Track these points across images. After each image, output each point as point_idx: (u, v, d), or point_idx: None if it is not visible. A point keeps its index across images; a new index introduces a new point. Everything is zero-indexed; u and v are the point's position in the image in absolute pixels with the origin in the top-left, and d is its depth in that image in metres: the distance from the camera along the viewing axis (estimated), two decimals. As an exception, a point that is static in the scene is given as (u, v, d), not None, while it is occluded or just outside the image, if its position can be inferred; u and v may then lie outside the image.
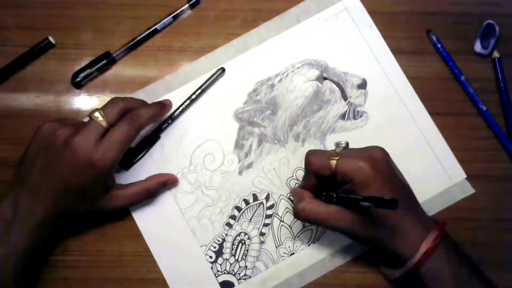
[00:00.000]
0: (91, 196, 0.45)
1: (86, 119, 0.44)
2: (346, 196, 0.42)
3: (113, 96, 0.47)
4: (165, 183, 0.49)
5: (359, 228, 0.43)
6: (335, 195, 0.43)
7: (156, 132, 0.50)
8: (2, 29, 0.52)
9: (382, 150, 0.44)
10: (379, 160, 0.43)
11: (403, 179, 0.45)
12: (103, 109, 0.44)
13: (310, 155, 0.45)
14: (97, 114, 0.43)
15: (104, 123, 0.43)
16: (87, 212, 0.46)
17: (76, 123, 0.46)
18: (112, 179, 0.47)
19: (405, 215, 0.42)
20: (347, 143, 0.46)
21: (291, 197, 0.50)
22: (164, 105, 0.48)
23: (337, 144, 0.47)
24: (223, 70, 0.51)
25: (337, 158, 0.43)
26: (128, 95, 0.51)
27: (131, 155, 0.49)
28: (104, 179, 0.44)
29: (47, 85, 0.51)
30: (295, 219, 0.50)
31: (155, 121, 0.49)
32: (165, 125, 0.50)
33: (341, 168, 0.42)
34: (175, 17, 0.52)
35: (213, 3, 0.53)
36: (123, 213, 0.49)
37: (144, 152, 0.50)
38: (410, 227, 0.42)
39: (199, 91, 0.51)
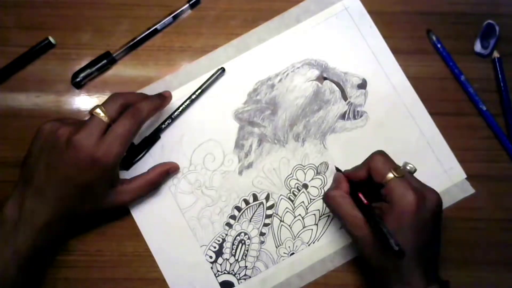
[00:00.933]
0: (98, 193, 0.45)
1: (88, 117, 0.44)
2: (373, 214, 0.41)
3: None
4: (168, 171, 0.49)
5: (371, 246, 0.42)
6: (366, 203, 0.42)
7: (156, 132, 0.50)
8: (2, 29, 0.52)
9: (437, 196, 0.42)
10: (428, 202, 0.42)
11: (437, 234, 0.43)
12: (103, 105, 0.44)
13: (378, 153, 0.44)
14: (98, 110, 0.43)
15: (105, 119, 0.43)
16: (94, 209, 0.46)
17: (77, 122, 0.45)
18: (117, 174, 0.47)
19: (417, 265, 0.41)
20: (415, 169, 0.44)
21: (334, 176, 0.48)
22: (164, 97, 0.48)
23: (406, 164, 0.44)
24: (223, 70, 0.51)
25: (397, 176, 0.42)
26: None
27: (131, 155, 0.50)
28: (109, 176, 0.44)
29: (47, 85, 0.51)
30: (295, 219, 0.50)
31: (156, 114, 0.49)
32: (165, 125, 0.50)
33: (392, 186, 0.41)
34: (175, 17, 0.52)
35: (213, 3, 0.53)
36: (123, 213, 0.49)
37: (144, 152, 0.50)
38: (416, 276, 0.41)
39: (199, 91, 0.51)
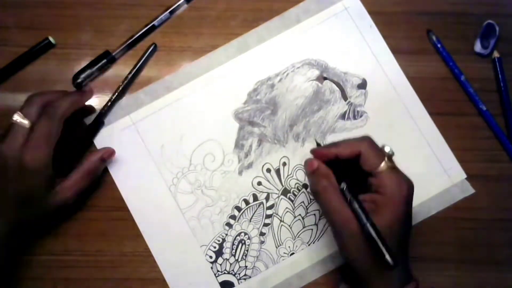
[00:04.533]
0: (38, 198, 0.44)
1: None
2: (365, 214, 0.38)
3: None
4: (102, 158, 0.48)
5: (358, 245, 0.39)
6: (353, 199, 0.39)
7: (99, 118, 0.50)
8: (2, 29, 0.52)
9: (412, 182, 0.41)
10: (411, 189, 0.40)
11: (411, 222, 0.42)
12: (21, 110, 0.44)
13: (368, 140, 0.42)
14: (16, 117, 0.43)
15: (25, 124, 0.43)
16: (40, 214, 0.45)
17: (3, 132, 0.44)
18: (52, 176, 0.45)
19: (400, 261, 0.39)
20: (393, 152, 0.42)
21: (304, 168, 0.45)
22: (83, 92, 0.48)
23: (384, 146, 0.42)
24: (154, 46, 0.51)
25: (391, 166, 0.40)
26: (128, 95, 0.51)
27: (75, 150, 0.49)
28: (43, 178, 0.44)
29: (47, 85, 0.51)
30: (295, 219, 0.50)
31: (76, 108, 0.48)
32: (105, 109, 0.50)
33: (385, 177, 0.40)
34: (171, 12, 0.52)
35: (213, 3, 0.53)
36: (123, 213, 0.49)
37: (91, 134, 0.50)
38: (397, 273, 0.40)
39: (134, 70, 0.51)
